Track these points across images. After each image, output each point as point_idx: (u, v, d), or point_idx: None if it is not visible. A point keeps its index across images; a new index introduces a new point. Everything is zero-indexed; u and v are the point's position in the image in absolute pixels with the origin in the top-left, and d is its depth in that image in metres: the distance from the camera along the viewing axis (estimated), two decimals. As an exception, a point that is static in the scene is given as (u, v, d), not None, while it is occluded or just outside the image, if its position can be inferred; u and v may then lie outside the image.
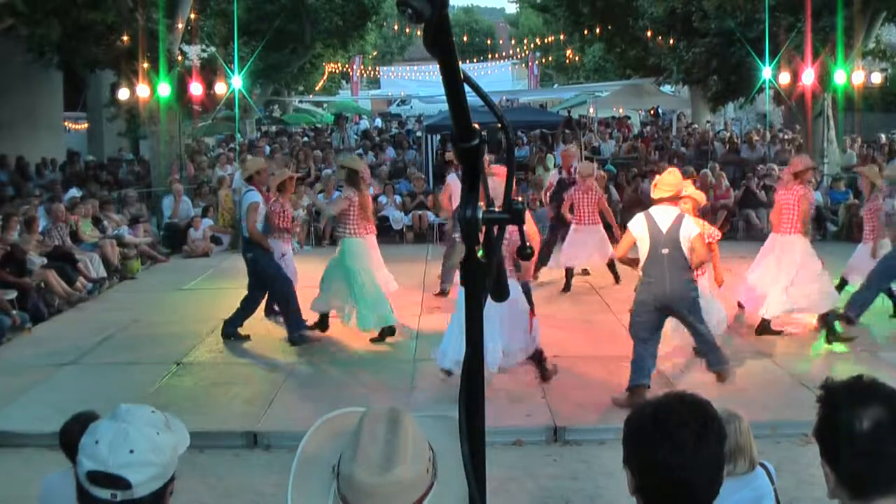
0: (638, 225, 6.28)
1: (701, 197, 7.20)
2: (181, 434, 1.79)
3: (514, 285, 6.42)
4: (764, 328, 8.06)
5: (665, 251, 6.17)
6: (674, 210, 6.29)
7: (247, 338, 8.22)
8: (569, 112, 27.76)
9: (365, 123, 32.26)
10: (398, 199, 14.94)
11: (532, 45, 42.89)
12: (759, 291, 8.10)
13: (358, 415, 1.52)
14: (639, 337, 6.37)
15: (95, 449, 1.65)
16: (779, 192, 8.26)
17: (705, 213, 11.36)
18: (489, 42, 53.80)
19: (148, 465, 1.66)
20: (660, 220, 6.23)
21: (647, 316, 6.34)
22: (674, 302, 6.27)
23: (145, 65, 13.93)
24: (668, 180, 6.37)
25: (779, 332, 8.05)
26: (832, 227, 13.94)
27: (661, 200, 6.32)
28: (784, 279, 7.85)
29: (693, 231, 6.22)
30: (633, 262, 6.69)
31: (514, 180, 1.24)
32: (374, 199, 14.88)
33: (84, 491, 1.67)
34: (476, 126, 1.09)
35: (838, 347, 7.74)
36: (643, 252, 6.29)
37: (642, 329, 6.37)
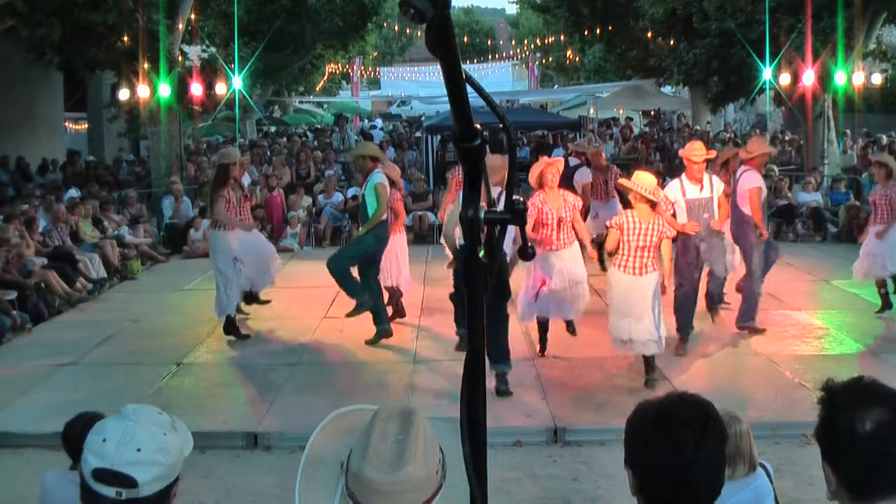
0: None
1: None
2: (186, 436, 1.78)
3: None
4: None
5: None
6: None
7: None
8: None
9: (367, 124, 32.23)
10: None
11: (532, 46, 42.92)
12: None
13: (369, 412, 1.52)
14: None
15: (102, 447, 1.64)
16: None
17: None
18: (489, 43, 53.85)
19: (155, 464, 1.65)
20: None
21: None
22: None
23: (146, 65, 13.91)
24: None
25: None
26: (832, 228, 13.92)
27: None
28: None
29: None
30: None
31: (516, 180, 1.24)
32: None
33: (88, 489, 1.65)
34: (478, 126, 1.09)
35: (839, 348, 7.75)
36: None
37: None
